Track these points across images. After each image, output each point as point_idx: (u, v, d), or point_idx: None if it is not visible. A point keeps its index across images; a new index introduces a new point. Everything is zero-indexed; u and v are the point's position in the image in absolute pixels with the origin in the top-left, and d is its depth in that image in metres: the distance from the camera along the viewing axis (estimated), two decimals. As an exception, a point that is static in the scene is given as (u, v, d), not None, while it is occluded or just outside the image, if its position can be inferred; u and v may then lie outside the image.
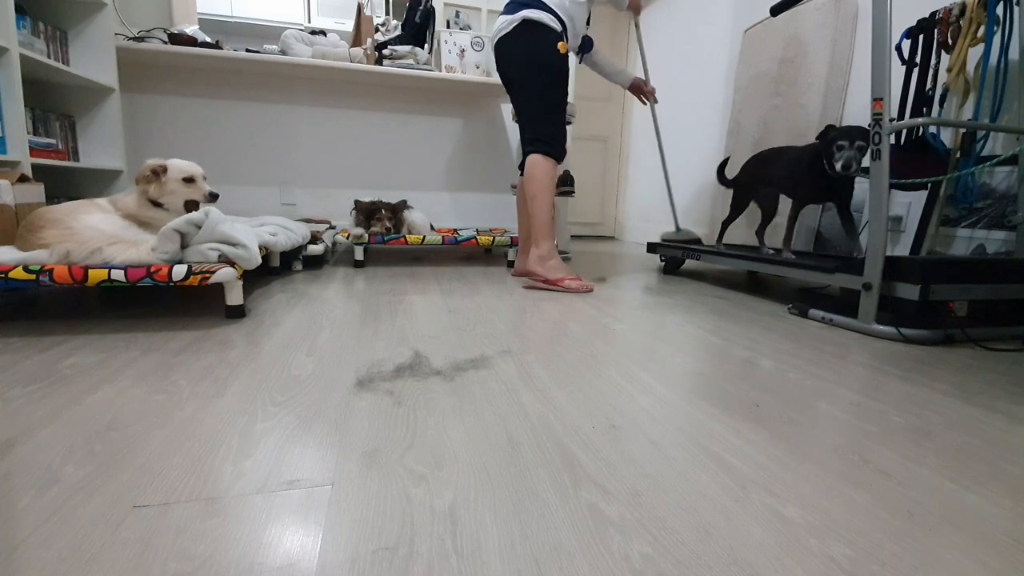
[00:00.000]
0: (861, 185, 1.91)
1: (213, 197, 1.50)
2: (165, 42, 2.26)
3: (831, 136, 1.53)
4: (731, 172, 2.14)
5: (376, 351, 1.03)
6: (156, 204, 1.43)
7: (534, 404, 0.79)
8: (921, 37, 1.74)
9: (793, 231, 1.79)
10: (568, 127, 1.95)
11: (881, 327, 1.26)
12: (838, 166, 1.49)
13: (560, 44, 1.73)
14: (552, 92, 1.78)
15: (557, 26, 1.73)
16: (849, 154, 1.47)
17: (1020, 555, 0.48)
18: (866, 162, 1.35)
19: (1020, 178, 1.48)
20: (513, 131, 3.03)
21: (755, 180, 1.98)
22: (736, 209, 2.11)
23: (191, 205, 1.47)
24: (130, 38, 2.22)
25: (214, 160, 2.57)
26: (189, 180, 1.46)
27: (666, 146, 3.59)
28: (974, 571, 0.46)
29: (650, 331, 1.27)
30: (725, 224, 2.17)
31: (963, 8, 1.60)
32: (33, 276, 1.08)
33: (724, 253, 1.91)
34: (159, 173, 1.42)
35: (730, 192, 2.14)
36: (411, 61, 2.56)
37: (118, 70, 2.12)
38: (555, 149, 1.79)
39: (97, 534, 0.47)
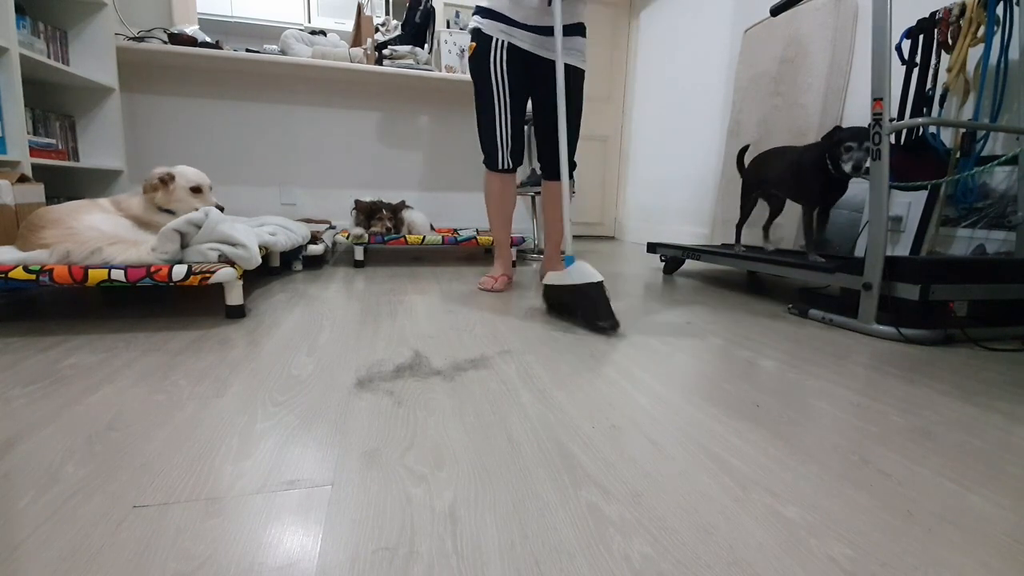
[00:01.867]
0: (861, 185, 1.91)
1: (219, 210, 1.51)
2: (165, 42, 2.26)
3: (838, 137, 1.52)
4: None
5: (376, 351, 1.03)
6: (165, 210, 1.44)
7: (534, 404, 0.79)
8: (921, 37, 1.74)
9: (812, 234, 1.71)
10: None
11: (881, 327, 1.26)
12: (847, 168, 1.48)
13: (470, 46, 1.68)
14: (477, 96, 1.71)
15: (473, 23, 1.66)
16: (859, 155, 1.46)
17: (1020, 555, 0.48)
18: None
19: (1020, 178, 1.48)
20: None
21: (759, 180, 1.98)
22: (745, 209, 2.09)
23: None
24: (130, 38, 2.22)
25: (214, 160, 2.57)
26: (196, 190, 1.47)
27: (666, 146, 3.60)
28: (974, 571, 0.46)
29: (650, 331, 1.27)
30: (739, 227, 2.15)
31: (963, 8, 1.60)
32: (33, 276, 1.08)
33: (724, 253, 1.91)
34: (166, 181, 1.43)
35: (736, 189, 2.13)
36: (411, 61, 2.56)
37: (118, 70, 2.12)
38: (485, 158, 1.75)
39: (97, 534, 0.47)
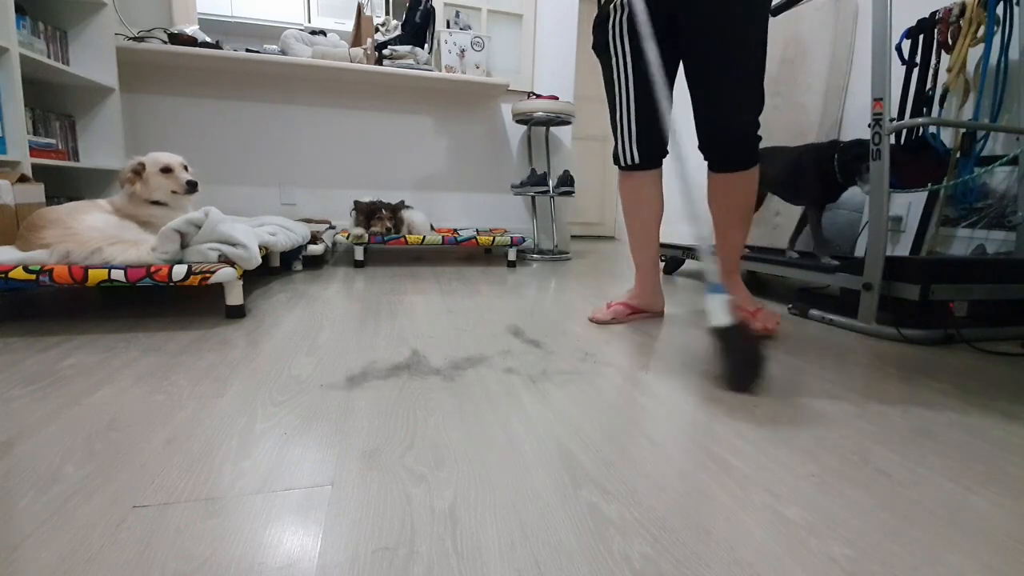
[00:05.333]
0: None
1: (191, 186, 1.46)
2: (165, 42, 2.26)
3: (856, 153, 1.48)
4: None
5: (376, 351, 1.03)
6: (155, 202, 1.43)
7: (534, 404, 0.79)
8: (921, 37, 1.74)
9: (822, 235, 1.70)
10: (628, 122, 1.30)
11: (881, 327, 1.26)
12: (865, 188, 1.46)
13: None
14: (604, 79, 1.36)
15: None
16: None
17: (1020, 555, 0.48)
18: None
19: (1020, 178, 1.48)
20: (513, 131, 3.02)
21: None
22: None
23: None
24: (130, 38, 2.22)
25: (214, 160, 2.57)
26: (166, 170, 1.44)
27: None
28: (974, 571, 0.46)
29: (650, 331, 1.27)
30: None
31: (963, 8, 1.60)
32: (33, 276, 1.08)
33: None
34: (139, 171, 1.42)
35: None
36: (411, 61, 2.56)
37: (118, 70, 2.12)
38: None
39: (97, 534, 0.47)
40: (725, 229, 1.30)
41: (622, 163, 1.33)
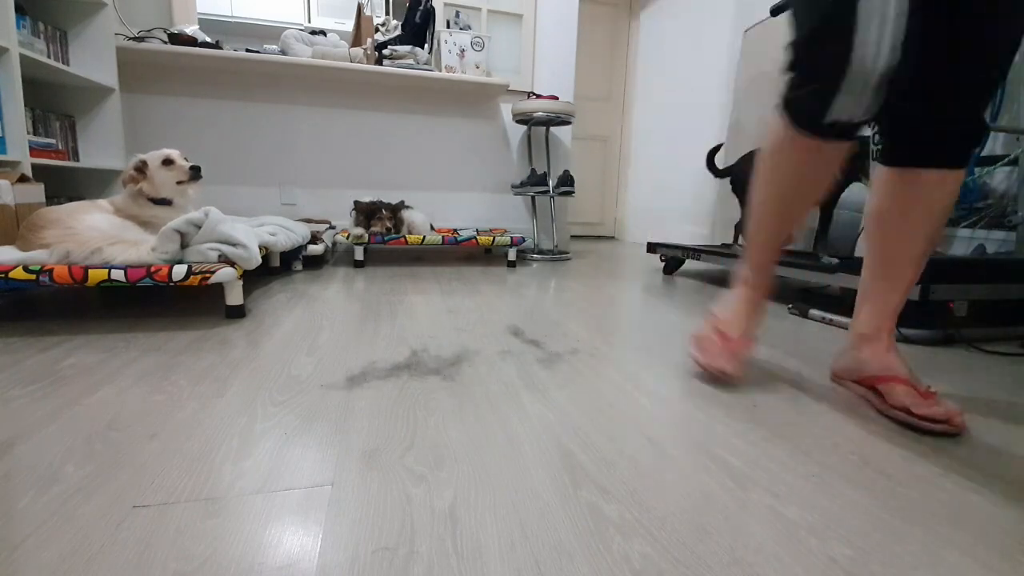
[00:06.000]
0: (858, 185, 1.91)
1: (195, 171, 1.50)
2: (165, 42, 2.26)
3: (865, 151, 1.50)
4: (723, 163, 2.13)
5: (376, 351, 1.03)
6: (160, 201, 1.44)
7: (534, 404, 0.79)
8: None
9: (826, 235, 1.72)
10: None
11: (881, 327, 1.26)
12: (868, 184, 1.47)
13: None
14: None
15: None
16: None
17: (1021, 555, 0.48)
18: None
19: (1020, 178, 1.48)
20: (513, 131, 3.02)
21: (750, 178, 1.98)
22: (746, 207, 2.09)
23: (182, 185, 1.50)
24: (130, 38, 2.22)
25: (214, 160, 2.57)
26: (168, 162, 1.47)
27: (666, 146, 3.60)
28: (974, 571, 0.46)
29: (650, 331, 1.27)
30: (740, 226, 2.15)
31: (963, 8, 1.60)
32: (33, 276, 1.08)
33: (724, 253, 1.91)
34: (142, 169, 1.43)
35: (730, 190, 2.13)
36: (411, 61, 2.56)
37: (118, 70, 2.12)
38: (790, 85, 0.75)
39: (97, 534, 0.47)
40: (898, 263, 0.83)
41: (814, 118, 0.73)
